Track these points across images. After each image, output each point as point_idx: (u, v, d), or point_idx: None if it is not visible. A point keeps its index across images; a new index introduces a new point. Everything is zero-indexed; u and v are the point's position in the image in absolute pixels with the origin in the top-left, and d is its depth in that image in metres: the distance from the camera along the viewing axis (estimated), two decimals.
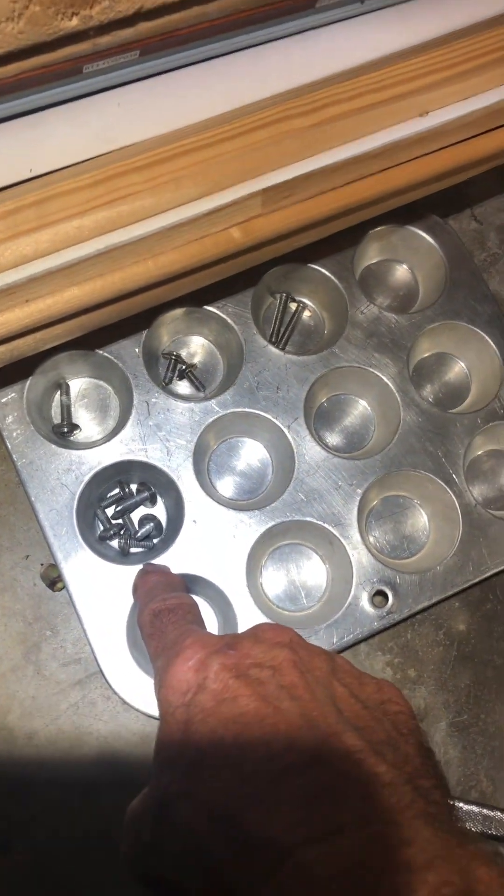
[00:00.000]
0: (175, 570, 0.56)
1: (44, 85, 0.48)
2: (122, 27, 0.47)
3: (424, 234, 0.67)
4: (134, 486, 0.61)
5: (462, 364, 0.68)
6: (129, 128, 0.51)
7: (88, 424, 0.62)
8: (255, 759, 0.35)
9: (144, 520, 0.60)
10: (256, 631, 0.42)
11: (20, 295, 0.48)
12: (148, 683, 0.54)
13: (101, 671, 0.55)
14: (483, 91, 0.54)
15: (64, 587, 0.57)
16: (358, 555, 0.59)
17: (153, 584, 0.51)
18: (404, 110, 0.52)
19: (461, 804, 0.54)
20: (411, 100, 0.53)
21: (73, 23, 0.44)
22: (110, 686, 0.55)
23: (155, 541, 0.60)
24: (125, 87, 0.51)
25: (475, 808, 0.54)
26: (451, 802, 0.38)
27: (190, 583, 0.57)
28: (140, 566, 0.55)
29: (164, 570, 0.54)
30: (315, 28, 0.54)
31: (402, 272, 0.70)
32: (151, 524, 0.60)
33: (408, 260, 0.69)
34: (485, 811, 0.54)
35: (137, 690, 0.54)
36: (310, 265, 0.64)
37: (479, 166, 0.59)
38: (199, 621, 0.46)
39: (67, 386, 0.62)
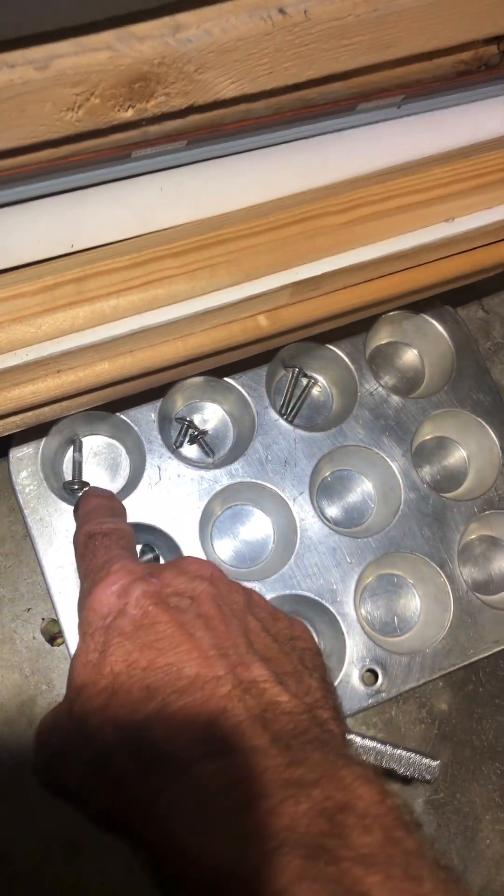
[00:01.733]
0: None
1: (92, 166, 0.50)
2: (173, 118, 0.49)
3: (435, 323, 0.70)
4: (138, 547, 0.63)
5: (462, 451, 0.70)
6: (169, 212, 0.53)
7: (98, 482, 0.63)
8: (165, 683, 0.37)
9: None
10: (180, 562, 0.44)
11: (53, 366, 0.49)
12: None
13: None
14: None
15: (63, 643, 0.58)
16: (352, 632, 0.60)
17: (94, 506, 0.51)
18: (432, 215, 0.55)
19: (357, 738, 0.55)
20: (439, 206, 0.55)
21: (129, 114, 0.46)
22: None
23: None
24: (169, 171, 0.53)
25: (369, 742, 0.55)
26: (347, 735, 0.41)
27: None
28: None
29: (107, 494, 0.54)
30: (353, 128, 0.57)
31: (410, 355, 0.73)
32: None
33: (417, 344, 0.72)
34: (377, 745, 0.55)
35: None
36: (324, 345, 0.66)
37: (496, 270, 0.62)
38: (132, 549, 0.47)
39: (81, 443, 0.63)
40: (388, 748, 0.54)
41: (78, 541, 0.47)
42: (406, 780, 0.58)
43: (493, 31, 0.52)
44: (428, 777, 0.54)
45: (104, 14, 0.40)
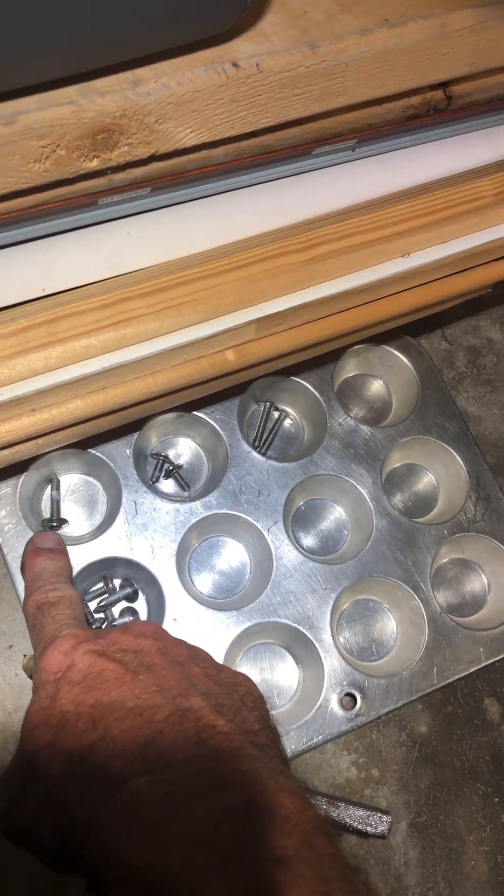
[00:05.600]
0: None
1: (61, 214, 0.52)
2: (137, 166, 0.51)
3: (398, 354, 0.72)
4: (117, 582, 0.64)
5: (431, 476, 0.72)
6: (136, 255, 0.55)
7: (77, 519, 0.65)
8: (108, 713, 0.40)
9: (124, 612, 0.63)
10: (125, 624, 0.48)
11: (27, 405, 0.51)
12: None
13: None
14: (458, 237, 0.59)
15: None
16: (329, 657, 0.61)
17: (40, 570, 0.54)
18: (389, 251, 0.58)
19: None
20: (396, 242, 0.58)
21: (94, 164, 0.49)
22: None
23: None
24: (135, 217, 0.56)
25: (320, 800, 0.57)
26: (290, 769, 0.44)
27: None
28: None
29: (53, 549, 0.56)
30: (310, 171, 0.60)
31: (377, 386, 0.75)
32: (130, 618, 0.62)
33: (383, 376, 0.74)
34: (328, 802, 0.57)
35: None
36: (293, 378, 0.68)
37: (453, 301, 0.64)
38: (79, 616, 0.50)
39: (58, 481, 0.65)
40: (341, 805, 0.56)
41: (27, 611, 0.50)
42: (363, 835, 0.59)
43: (438, 78, 0.55)
44: (381, 830, 0.56)
45: (66, 72, 0.43)
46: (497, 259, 0.63)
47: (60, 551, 0.57)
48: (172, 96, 0.45)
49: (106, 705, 0.41)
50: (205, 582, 0.65)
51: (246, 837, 0.33)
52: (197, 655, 0.47)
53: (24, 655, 0.61)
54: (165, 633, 0.48)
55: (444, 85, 0.58)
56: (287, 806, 0.35)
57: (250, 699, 0.46)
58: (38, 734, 0.41)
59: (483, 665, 0.64)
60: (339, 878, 0.32)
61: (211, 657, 0.49)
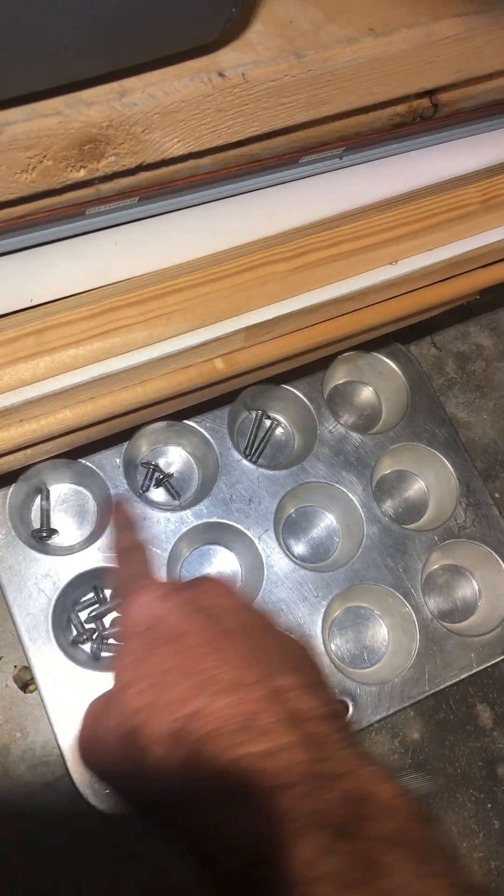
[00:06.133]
0: None
1: (48, 224, 0.52)
2: (124, 176, 0.51)
3: (388, 360, 0.72)
4: (108, 591, 0.63)
5: (421, 482, 0.72)
6: (124, 264, 0.55)
7: (67, 528, 0.64)
8: (206, 685, 0.40)
9: (115, 623, 0.63)
10: (204, 581, 0.49)
11: (15, 416, 0.51)
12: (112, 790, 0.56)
13: (68, 774, 0.56)
14: (445, 244, 0.60)
15: (36, 690, 0.58)
16: (321, 665, 0.61)
17: (128, 519, 0.57)
18: (376, 259, 0.58)
19: None
20: (383, 250, 0.58)
21: (81, 174, 0.49)
22: (77, 789, 0.56)
23: None
24: (123, 226, 0.55)
25: None
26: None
27: None
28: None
29: (133, 510, 0.60)
30: (298, 179, 0.60)
31: (367, 393, 0.75)
32: (121, 627, 0.62)
33: (372, 382, 0.74)
34: None
35: (103, 794, 0.56)
36: (282, 385, 0.68)
37: (440, 308, 0.64)
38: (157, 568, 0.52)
39: (48, 491, 0.64)
40: None
41: (119, 546, 0.53)
42: None
43: (424, 86, 0.56)
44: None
45: (53, 82, 0.43)
46: (484, 266, 0.63)
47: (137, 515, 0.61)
48: (159, 106, 0.45)
49: (202, 674, 0.41)
50: None
51: (351, 818, 0.34)
52: (265, 621, 0.48)
53: (15, 666, 0.61)
54: (237, 594, 0.49)
55: (430, 93, 0.58)
56: (385, 791, 0.36)
57: (319, 673, 0.47)
58: (133, 691, 0.42)
59: (475, 671, 0.64)
60: (442, 858, 0.34)
61: (273, 621, 0.49)
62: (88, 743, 0.44)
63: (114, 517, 0.58)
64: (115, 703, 0.43)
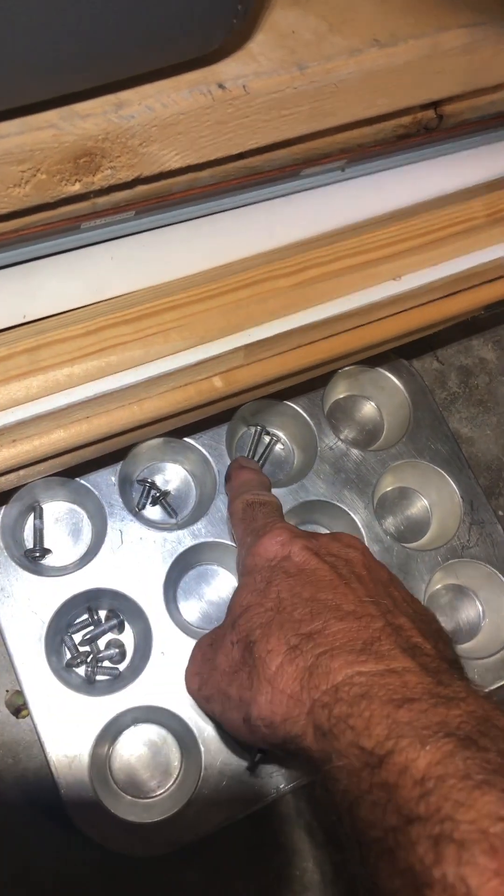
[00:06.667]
0: (142, 700, 0.56)
1: (42, 238, 0.51)
2: (120, 190, 0.50)
3: (390, 375, 0.71)
4: (103, 613, 0.62)
5: (424, 500, 0.71)
6: (120, 280, 0.53)
7: (61, 548, 0.63)
8: (326, 611, 0.42)
9: (110, 645, 0.61)
10: (334, 533, 0.51)
11: (8, 436, 0.49)
12: (107, 817, 0.54)
13: (62, 801, 0.55)
14: (449, 259, 0.58)
15: (28, 715, 0.57)
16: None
17: (247, 478, 0.57)
18: (379, 274, 0.56)
19: None
20: (386, 265, 0.57)
21: (76, 188, 0.47)
22: (70, 817, 0.54)
23: (120, 667, 0.61)
24: (119, 240, 0.54)
25: None
26: None
27: (159, 713, 0.58)
28: (108, 695, 0.57)
29: (256, 469, 0.60)
30: (299, 192, 0.58)
31: (368, 408, 0.73)
32: (116, 650, 0.60)
33: (374, 397, 0.73)
34: None
35: (97, 823, 0.54)
36: (282, 401, 0.67)
37: (444, 324, 0.63)
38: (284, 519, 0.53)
39: (41, 510, 0.63)
40: None
41: (236, 507, 0.54)
42: None
43: (428, 97, 0.54)
44: None
45: (47, 94, 0.41)
46: (489, 281, 0.62)
47: (262, 474, 0.60)
48: (157, 119, 0.44)
49: (323, 602, 0.43)
50: (193, 612, 0.63)
51: (474, 733, 0.34)
52: (394, 579, 0.50)
53: (7, 691, 0.59)
54: (369, 550, 0.51)
55: (435, 104, 0.57)
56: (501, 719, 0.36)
57: (443, 633, 0.48)
58: (252, 613, 0.43)
59: None
60: None
61: (405, 586, 0.50)
62: (200, 667, 0.46)
63: (233, 481, 0.57)
64: (229, 625, 0.44)
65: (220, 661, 0.44)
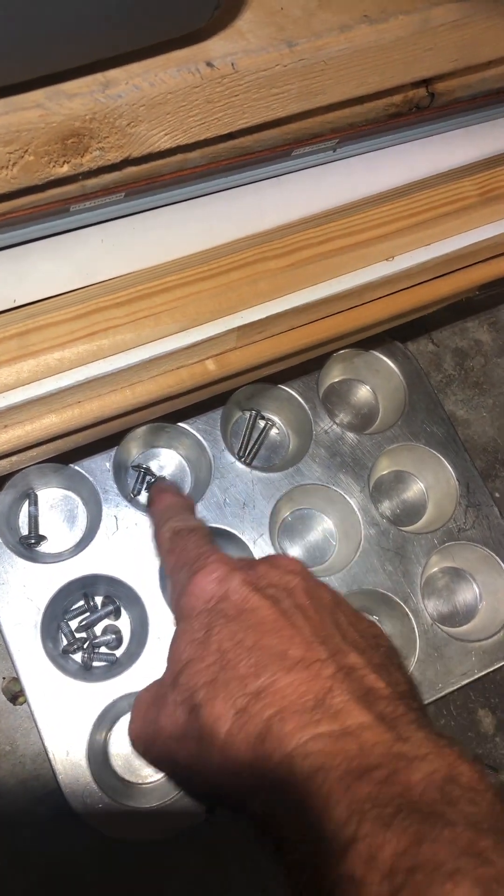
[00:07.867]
0: (139, 685, 0.56)
1: (31, 221, 0.50)
2: (109, 171, 0.49)
3: (385, 358, 0.70)
4: (99, 599, 0.62)
5: (420, 483, 0.71)
6: (111, 263, 0.53)
7: (56, 534, 0.63)
8: (272, 661, 0.39)
9: (106, 631, 0.61)
10: (270, 558, 0.47)
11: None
12: (104, 803, 0.54)
13: (60, 787, 0.55)
14: (442, 239, 0.58)
15: (25, 702, 0.57)
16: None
17: (170, 503, 0.53)
18: (372, 255, 0.56)
19: None
20: (378, 245, 0.56)
21: (64, 169, 0.47)
22: (68, 803, 0.54)
23: (117, 653, 0.61)
24: (109, 223, 0.53)
25: None
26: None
27: None
28: (105, 681, 0.57)
29: (178, 492, 0.55)
30: (290, 173, 0.58)
31: (364, 392, 0.73)
32: (113, 636, 0.60)
33: (369, 381, 0.73)
34: None
35: (95, 808, 0.54)
36: (277, 385, 0.67)
37: (438, 305, 0.63)
38: (216, 545, 0.49)
39: (36, 496, 0.63)
40: None
41: (162, 536, 0.49)
42: None
43: (420, 75, 0.54)
44: None
45: (33, 74, 0.41)
46: (483, 261, 0.61)
47: (185, 496, 0.56)
48: (145, 98, 0.43)
49: (268, 650, 0.40)
50: None
51: (439, 803, 0.32)
52: (338, 600, 0.46)
53: (3, 678, 0.59)
54: (308, 571, 0.47)
55: (426, 82, 0.56)
56: (466, 773, 0.34)
57: (392, 653, 0.45)
58: (194, 670, 0.40)
59: (476, 677, 0.63)
60: None
61: (347, 601, 0.47)
62: (143, 730, 0.42)
63: (155, 507, 0.53)
64: (169, 683, 0.41)
65: (163, 723, 0.41)
